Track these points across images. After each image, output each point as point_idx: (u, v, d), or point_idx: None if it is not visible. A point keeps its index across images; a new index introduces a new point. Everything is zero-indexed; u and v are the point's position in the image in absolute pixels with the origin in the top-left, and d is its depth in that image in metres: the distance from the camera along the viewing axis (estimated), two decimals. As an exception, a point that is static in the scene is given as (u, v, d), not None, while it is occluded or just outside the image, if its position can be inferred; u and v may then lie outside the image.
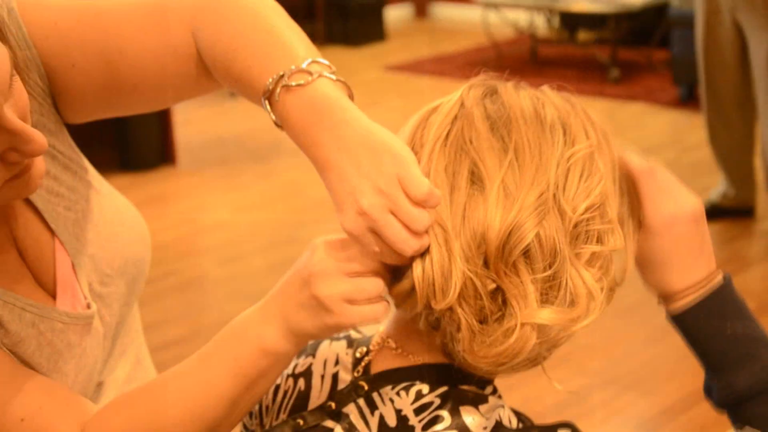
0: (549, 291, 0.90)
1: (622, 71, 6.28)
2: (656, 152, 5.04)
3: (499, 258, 0.88)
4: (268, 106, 0.93)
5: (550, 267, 0.89)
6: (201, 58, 1.01)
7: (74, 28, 1.03)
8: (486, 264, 0.89)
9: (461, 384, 0.95)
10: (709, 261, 0.99)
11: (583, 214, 0.91)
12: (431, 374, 0.95)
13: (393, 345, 0.98)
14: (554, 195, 0.90)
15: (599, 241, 0.92)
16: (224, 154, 5.29)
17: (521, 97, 0.95)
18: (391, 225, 0.87)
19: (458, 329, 0.89)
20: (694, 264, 0.98)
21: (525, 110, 0.93)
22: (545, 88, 0.98)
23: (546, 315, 0.89)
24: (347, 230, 0.88)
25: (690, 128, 5.31)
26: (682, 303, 0.99)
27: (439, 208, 0.89)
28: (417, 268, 0.89)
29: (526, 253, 0.89)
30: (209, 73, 1.02)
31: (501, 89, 0.96)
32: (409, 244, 0.87)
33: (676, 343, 1.07)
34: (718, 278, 0.99)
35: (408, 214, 0.87)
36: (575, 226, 0.91)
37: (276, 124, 0.94)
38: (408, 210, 0.87)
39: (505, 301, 0.89)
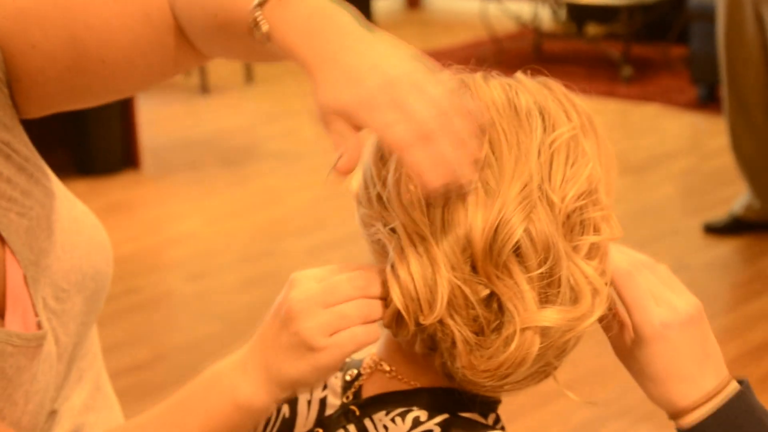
0: (548, 289, 0.90)
1: (635, 69, 6.31)
2: (673, 159, 5.06)
3: (487, 260, 0.89)
4: (261, 14, 0.91)
5: (545, 263, 0.89)
6: (178, 27, 1.00)
7: (33, 5, 1.02)
8: (475, 269, 0.89)
9: (462, 411, 0.95)
10: (717, 367, 0.96)
11: (573, 202, 0.91)
12: (429, 399, 0.95)
13: (387, 368, 0.98)
14: (539, 186, 0.91)
15: (596, 230, 0.93)
16: (193, 157, 5.28)
17: (492, 87, 0.96)
18: (416, 106, 0.84)
19: (453, 344, 0.90)
20: (699, 373, 0.96)
21: (497, 100, 0.94)
22: (518, 75, 0.99)
23: (548, 316, 0.89)
24: (342, 103, 0.85)
25: (710, 133, 5.33)
26: (692, 418, 0.96)
27: (415, 216, 0.90)
28: (393, 286, 0.89)
29: (517, 251, 0.89)
30: (188, 45, 1.01)
31: (469, 82, 0.97)
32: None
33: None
34: (733, 385, 0.96)
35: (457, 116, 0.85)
36: (568, 216, 0.91)
37: (265, 37, 0.91)
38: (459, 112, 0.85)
39: (501, 307, 0.90)
